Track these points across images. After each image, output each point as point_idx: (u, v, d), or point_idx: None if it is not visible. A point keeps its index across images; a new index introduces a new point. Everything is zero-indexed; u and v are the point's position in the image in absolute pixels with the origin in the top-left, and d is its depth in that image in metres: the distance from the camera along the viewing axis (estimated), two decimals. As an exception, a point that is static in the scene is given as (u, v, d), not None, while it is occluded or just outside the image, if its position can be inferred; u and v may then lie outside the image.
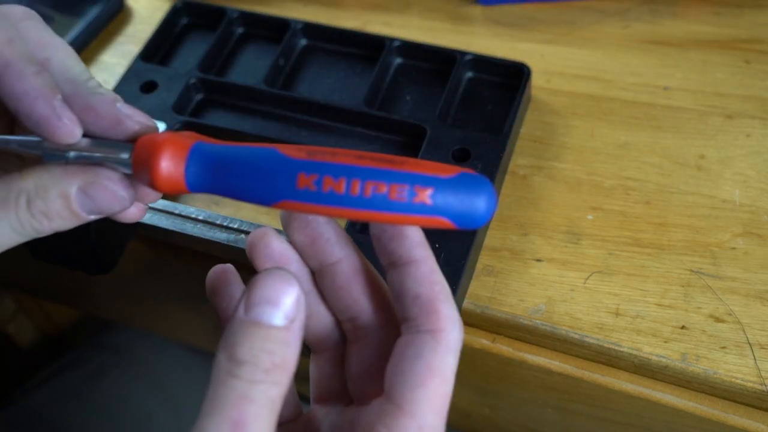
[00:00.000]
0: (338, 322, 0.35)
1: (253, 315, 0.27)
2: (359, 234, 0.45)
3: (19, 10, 0.33)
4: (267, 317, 0.27)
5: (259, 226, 0.46)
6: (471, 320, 0.46)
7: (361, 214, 0.29)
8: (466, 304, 0.45)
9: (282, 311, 0.28)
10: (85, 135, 0.31)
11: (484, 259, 0.46)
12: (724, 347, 0.42)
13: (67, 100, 0.31)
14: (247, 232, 0.45)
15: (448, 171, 0.29)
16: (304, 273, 0.34)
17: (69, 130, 0.30)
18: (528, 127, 0.52)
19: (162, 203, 0.46)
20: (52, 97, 0.30)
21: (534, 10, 0.59)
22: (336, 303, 0.34)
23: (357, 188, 0.28)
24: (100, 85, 0.33)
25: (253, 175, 0.29)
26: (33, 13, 0.33)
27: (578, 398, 0.47)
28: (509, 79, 0.53)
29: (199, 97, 0.55)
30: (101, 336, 0.77)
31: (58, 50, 0.33)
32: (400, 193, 0.28)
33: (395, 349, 0.30)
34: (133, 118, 0.32)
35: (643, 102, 0.53)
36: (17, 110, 0.30)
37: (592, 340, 0.43)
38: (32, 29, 0.33)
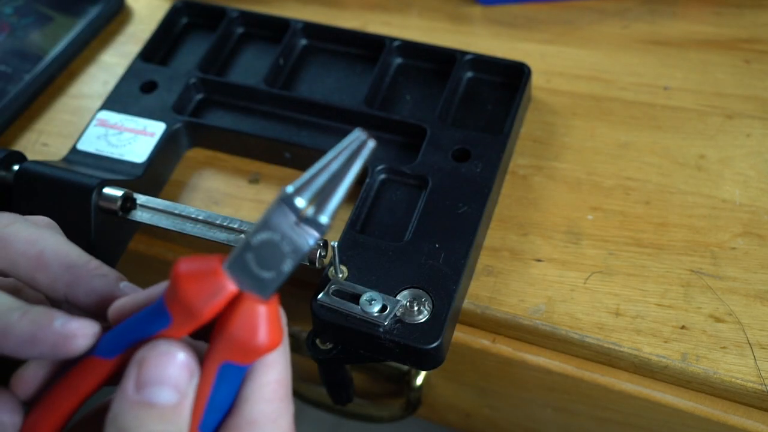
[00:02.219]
0: None
1: (146, 396, 0.27)
2: (359, 234, 0.45)
3: (3, 219, 0.33)
4: (160, 398, 0.27)
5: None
6: (471, 320, 0.46)
7: None
8: (466, 304, 0.45)
9: (174, 389, 0.27)
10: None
11: (484, 259, 0.46)
12: (724, 347, 0.42)
13: (71, 287, 0.31)
14: (247, 233, 0.45)
15: None
16: None
17: (81, 343, 0.29)
18: (528, 127, 0.52)
19: (162, 203, 0.46)
20: (50, 324, 0.29)
21: (534, 10, 0.59)
22: None
23: None
24: (101, 265, 0.32)
25: None
26: (16, 216, 0.34)
27: (578, 398, 0.47)
28: (509, 79, 0.53)
29: (199, 97, 0.55)
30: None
31: (49, 240, 0.32)
32: None
33: None
34: None
35: (643, 102, 0.53)
36: (31, 356, 0.29)
37: (592, 340, 0.43)
38: (19, 231, 0.33)
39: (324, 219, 0.27)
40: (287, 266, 0.28)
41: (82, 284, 0.32)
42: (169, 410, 0.27)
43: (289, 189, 0.27)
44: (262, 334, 0.27)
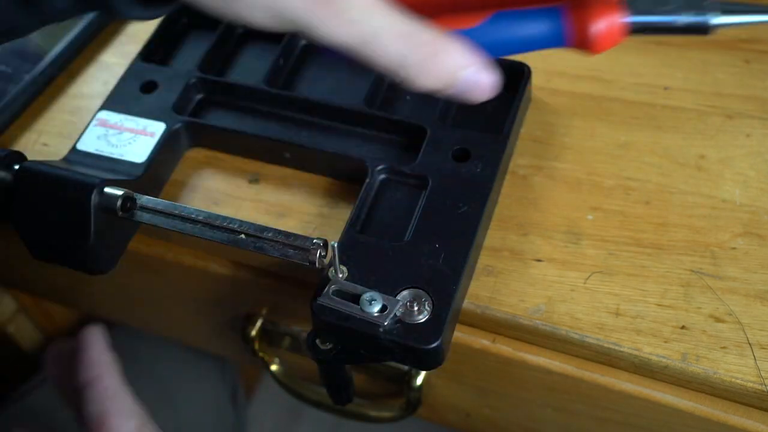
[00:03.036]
0: None
1: None
2: (359, 234, 0.45)
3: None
4: None
5: (260, 225, 0.46)
6: (471, 320, 0.46)
7: None
8: (466, 304, 0.45)
9: None
10: None
11: (484, 259, 0.46)
12: (724, 347, 0.42)
13: None
14: (247, 233, 0.45)
15: None
16: None
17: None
18: (528, 127, 0.52)
19: (162, 203, 0.46)
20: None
21: (534, 10, 0.59)
22: None
23: None
24: None
25: None
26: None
27: (578, 398, 0.47)
28: (509, 79, 0.52)
29: (199, 97, 0.55)
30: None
31: None
32: None
33: None
34: None
35: (643, 102, 0.53)
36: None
37: (592, 340, 0.43)
38: None
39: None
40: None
41: None
42: None
43: None
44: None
